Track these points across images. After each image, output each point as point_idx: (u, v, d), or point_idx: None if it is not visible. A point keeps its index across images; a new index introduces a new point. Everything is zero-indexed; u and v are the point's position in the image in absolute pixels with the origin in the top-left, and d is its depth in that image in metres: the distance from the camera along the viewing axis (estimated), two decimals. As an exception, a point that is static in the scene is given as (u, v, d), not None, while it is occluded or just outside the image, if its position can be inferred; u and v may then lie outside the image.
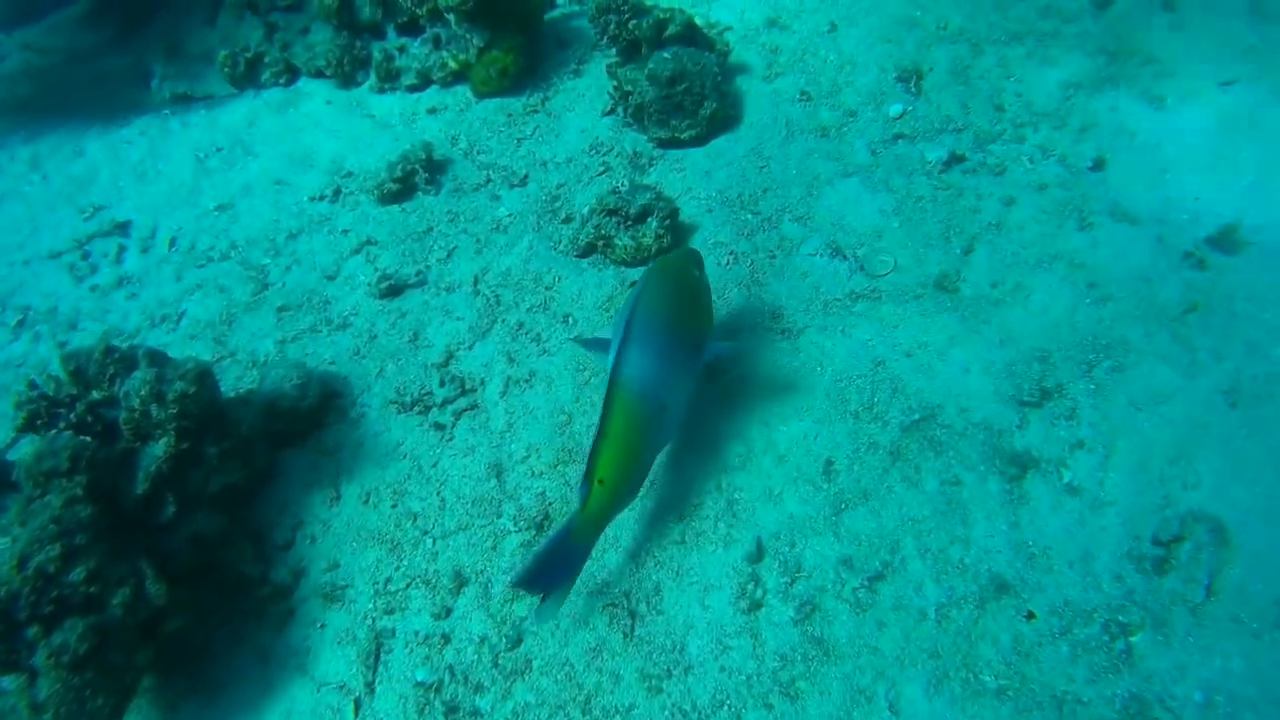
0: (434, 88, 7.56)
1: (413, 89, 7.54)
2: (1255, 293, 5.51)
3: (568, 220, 6.51)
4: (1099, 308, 5.47)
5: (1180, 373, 5.15)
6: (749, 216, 6.30)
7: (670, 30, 6.74)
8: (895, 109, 6.76)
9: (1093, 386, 5.11)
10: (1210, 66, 6.86)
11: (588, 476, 3.93)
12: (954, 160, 6.37)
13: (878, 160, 6.48)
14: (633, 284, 5.29)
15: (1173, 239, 5.77)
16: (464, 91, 7.42)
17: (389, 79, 7.50)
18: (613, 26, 6.79)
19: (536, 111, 7.24)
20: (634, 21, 6.79)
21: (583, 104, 7.20)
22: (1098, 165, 6.27)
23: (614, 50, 7.04)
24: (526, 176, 6.76)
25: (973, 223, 5.95)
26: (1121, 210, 5.97)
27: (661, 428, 4.16)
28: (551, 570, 4.01)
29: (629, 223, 6.12)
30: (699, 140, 6.94)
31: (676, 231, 6.17)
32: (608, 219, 6.16)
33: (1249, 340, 5.29)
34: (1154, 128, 6.48)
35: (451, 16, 6.99)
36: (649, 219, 6.02)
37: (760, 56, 7.19)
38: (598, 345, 4.59)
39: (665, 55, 6.57)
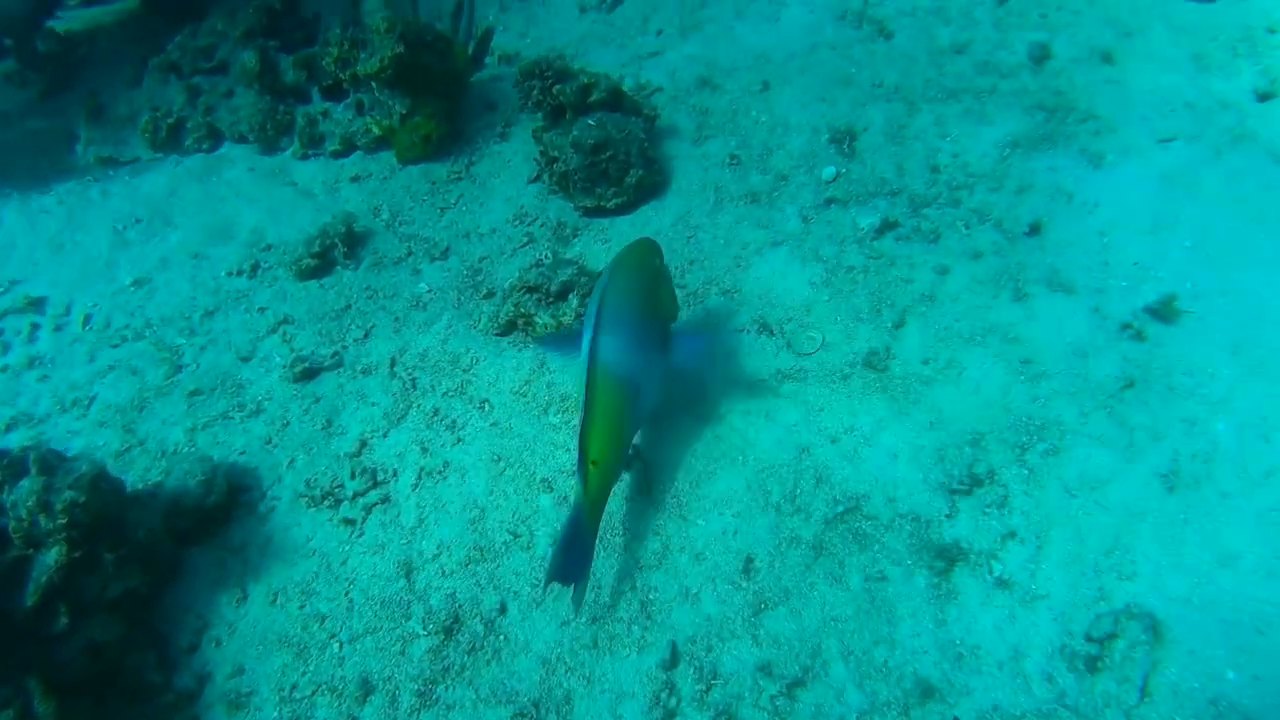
0: (358, 153, 7.38)
1: (337, 154, 7.35)
2: (1194, 365, 5.36)
3: (489, 295, 6.35)
4: (1033, 386, 5.28)
5: (1117, 455, 4.97)
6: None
7: (595, 95, 6.59)
8: (828, 172, 6.62)
9: (1026, 472, 4.93)
10: (1150, 123, 6.72)
11: (582, 460, 4.14)
12: (887, 227, 6.20)
13: (809, 227, 6.35)
14: (598, 274, 5.22)
15: (1111, 308, 5.60)
16: (388, 157, 7.25)
17: (312, 144, 7.31)
18: (536, 92, 6.65)
19: (461, 178, 7.09)
20: (558, 87, 6.62)
21: (508, 170, 7.07)
22: (1034, 229, 6.09)
23: (540, 114, 6.83)
24: (448, 249, 6.65)
25: (905, 294, 5.78)
26: (1058, 278, 5.79)
27: (639, 409, 4.42)
28: (573, 558, 4.32)
29: (550, 300, 5.97)
30: (625, 208, 6.79)
31: None
32: (528, 296, 6.02)
33: (1188, 416, 5.13)
34: (1092, 188, 6.31)
35: (373, 83, 6.69)
36: (570, 295, 5.86)
37: (691, 118, 7.01)
38: (563, 341, 4.99)
39: (590, 122, 6.42)
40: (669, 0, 8.10)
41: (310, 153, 7.40)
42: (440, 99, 7.02)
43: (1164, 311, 5.64)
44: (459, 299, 6.47)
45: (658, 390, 4.58)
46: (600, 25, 8.15)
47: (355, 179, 7.29)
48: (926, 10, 7.67)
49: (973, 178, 6.50)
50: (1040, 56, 7.14)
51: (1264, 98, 6.82)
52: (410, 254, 6.67)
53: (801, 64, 7.24)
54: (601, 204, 6.42)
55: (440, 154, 7.16)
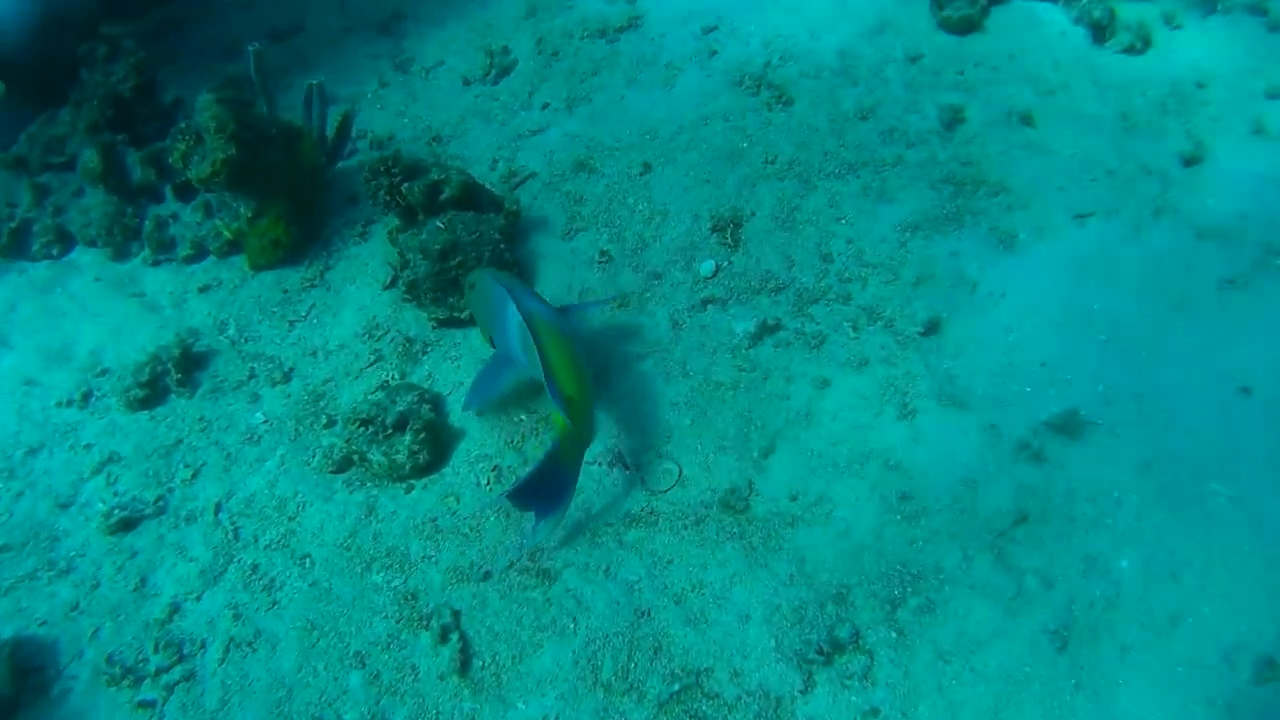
0: (211, 258, 6.92)
1: (189, 260, 6.98)
2: (1099, 488, 4.87)
3: (330, 424, 6.00)
4: (911, 525, 4.80)
5: (1000, 609, 4.49)
6: (524, 417, 5.67)
7: (446, 193, 6.21)
8: (707, 267, 6.21)
9: (894, 634, 4.44)
10: (1067, 195, 6.26)
11: (558, 397, 4.42)
12: (766, 330, 5.90)
13: (679, 335, 5.99)
14: (471, 286, 5.66)
15: (1009, 424, 5.12)
16: (242, 262, 6.84)
17: (163, 249, 6.93)
18: (383, 192, 6.17)
19: (315, 285, 6.73)
20: (406, 185, 6.28)
21: (365, 274, 6.77)
22: (931, 329, 5.63)
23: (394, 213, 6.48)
24: (292, 370, 6.36)
25: (778, 414, 5.44)
26: (953, 388, 5.35)
27: (579, 349, 4.84)
28: (542, 489, 4.61)
29: (387, 433, 5.63)
30: (480, 319, 5.98)
31: (437, 444, 5.69)
32: (361, 430, 5.67)
33: (1088, 554, 4.67)
34: (1000, 275, 5.80)
35: (208, 186, 6.23)
36: (408, 428, 5.57)
37: (562, 208, 6.56)
38: (491, 372, 5.41)
39: (438, 224, 6.08)
40: (558, 69, 7.60)
41: (162, 258, 6.98)
42: (290, 199, 6.93)
43: (1068, 426, 5.16)
44: (297, 430, 6.08)
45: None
46: (484, 100, 7.70)
47: (204, 289, 6.86)
48: (833, 71, 7.13)
49: (867, 268, 5.97)
50: (952, 120, 6.62)
51: (1189, 162, 6.37)
52: (252, 376, 6.25)
53: (689, 139, 6.69)
54: (454, 314, 6.00)
55: (294, 258, 6.73)
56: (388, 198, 6.45)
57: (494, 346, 5.60)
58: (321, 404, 6.20)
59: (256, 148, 6.42)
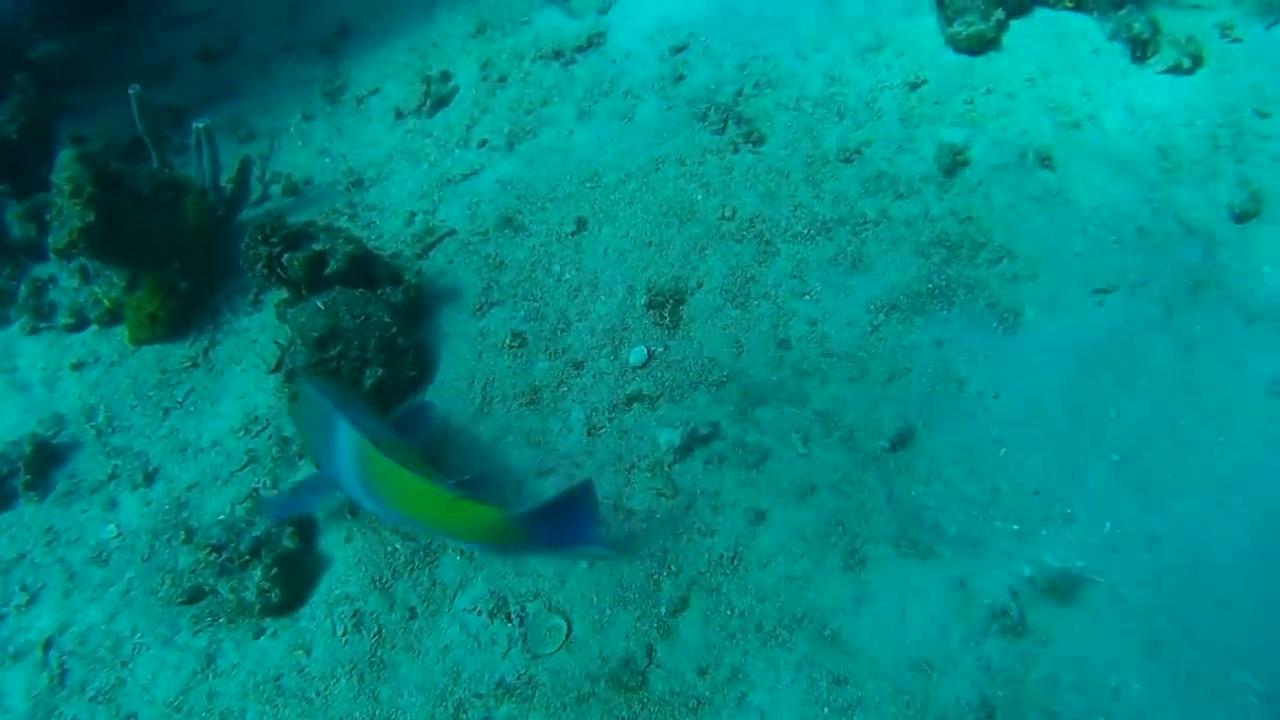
0: (93, 327, 6.01)
1: (70, 329, 6.27)
2: (1093, 674, 3.78)
3: (189, 538, 5.26)
4: (840, 722, 3.65)
5: None
6: (399, 547, 4.96)
7: (332, 267, 5.52)
8: (637, 355, 5.43)
9: None
10: (1086, 261, 5.19)
11: (461, 486, 4.17)
12: (695, 442, 5.01)
13: (593, 444, 5.15)
14: (293, 397, 5.16)
15: (983, 581, 4.26)
16: (124, 334, 5.81)
17: (40, 316, 6.25)
18: (261, 265, 5.61)
19: (196, 365, 6.08)
20: (287, 256, 5.57)
21: (252, 353, 6.06)
22: (900, 442, 4.85)
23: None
24: (156, 471, 5.68)
25: (698, 556, 4.65)
26: (916, 530, 4.54)
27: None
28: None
29: (242, 560, 4.95)
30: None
31: (295, 578, 4.96)
32: (211, 558, 4.99)
33: (1073, 769, 3.45)
34: (994, 369, 4.87)
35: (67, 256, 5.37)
36: (260, 560, 4.87)
37: (479, 275, 5.69)
38: (302, 493, 4.89)
39: (319, 305, 5.40)
40: (503, 99, 6.65)
41: (41, 326, 6.21)
42: (171, 265, 6.14)
43: (1060, 585, 4.14)
44: (151, 547, 5.37)
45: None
46: (415, 136, 6.80)
47: (79, 365, 6.10)
48: (816, 101, 6.07)
49: (830, 358, 5.03)
50: (953, 164, 5.55)
51: (1241, 218, 5.28)
52: (113, 477, 5.60)
53: (636, 189, 5.74)
54: None
55: (178, 331, 6.18)
56: (266, 271, 5.70)
57: (318, 467, 4.89)
58: (184, 514, 5.47)
59: (123, 211, 5.57)
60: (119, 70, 8.22)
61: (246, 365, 5.94)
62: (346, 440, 4.35)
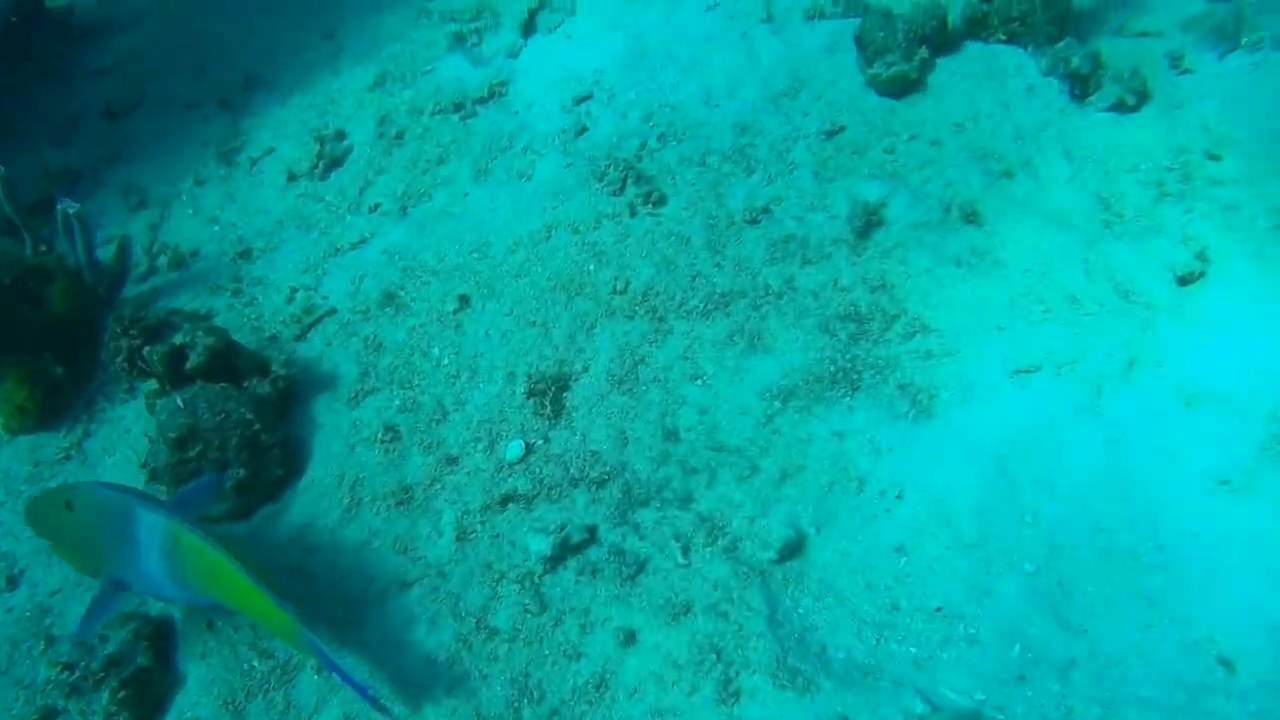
0: None
1: (-53, 412, 5.59)
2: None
3: (49, 647, 4.83)
4: None
5: None
6: (256, 664, 4.53)
7: (193, 360, 5.19)
8: (514, 449, 4.98)
9: None
10: (1008, 336, 4.76)
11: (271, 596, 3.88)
12: (568, 551, 4.54)
13: (462, 551, 4.71)
14: (66, 505, 4.44)
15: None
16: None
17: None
18: (122, 358, 5.35)
19: (70, 457, 5.74)
20: (147, 349, 5.25)
21: (125, 444, 5.67)
22: (790, 552, 4.43)
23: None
24: (22, 573, 5.26)
25: (563, 681, 4.22)
26: (799, 657, 4.15)
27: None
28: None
29: (96, 678, 4.50)
30: (234, 515, 5.15)
31: (146, 701, 4.53)
32: (62, 676, 4.56)
33: None
34: (900, 464, 4.45)
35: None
36: (107, 682, 4.41)
37: (356, 359, 5.36)
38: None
39: (179, 401, 5.04)
40: (399, 158, 6.22)
41: (-80, 407, 5.66)
42: (38, 353, 5.84)
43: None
44: (10, 657, 4.91)
45: None
46: (308, 200, 6.38)
47: (-49, 455, 5.48)
48: (724, 154, 5.52)
49: (720, 453, 4.55)
50: (867, 223, 5.09)
51: (1186, 280, 4.63)
52: None
53: (525, 259, 5.37)
54: (204, 512, 4.88)
55: (52, 419, 5.72)
56: (126, 364, 5.40)
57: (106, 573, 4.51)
58: (46, 621, 5.01)
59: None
60: (18, 125, 7.90)
61: (120, 458, 5.55)
62: (150, 532, 4.15)
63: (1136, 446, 4.37)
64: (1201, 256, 4.85)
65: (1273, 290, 4.72)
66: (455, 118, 6.57)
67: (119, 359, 5.28)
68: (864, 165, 5.56)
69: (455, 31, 7.18)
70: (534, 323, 5.26)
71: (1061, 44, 5.73)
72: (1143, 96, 5.61)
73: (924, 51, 5.75)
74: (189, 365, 5.15)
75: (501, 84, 6.65)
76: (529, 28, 7.15)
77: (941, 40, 5.88)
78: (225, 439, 4.90)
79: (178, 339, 5.19)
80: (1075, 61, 5.61)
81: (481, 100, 6.59)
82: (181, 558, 4.09)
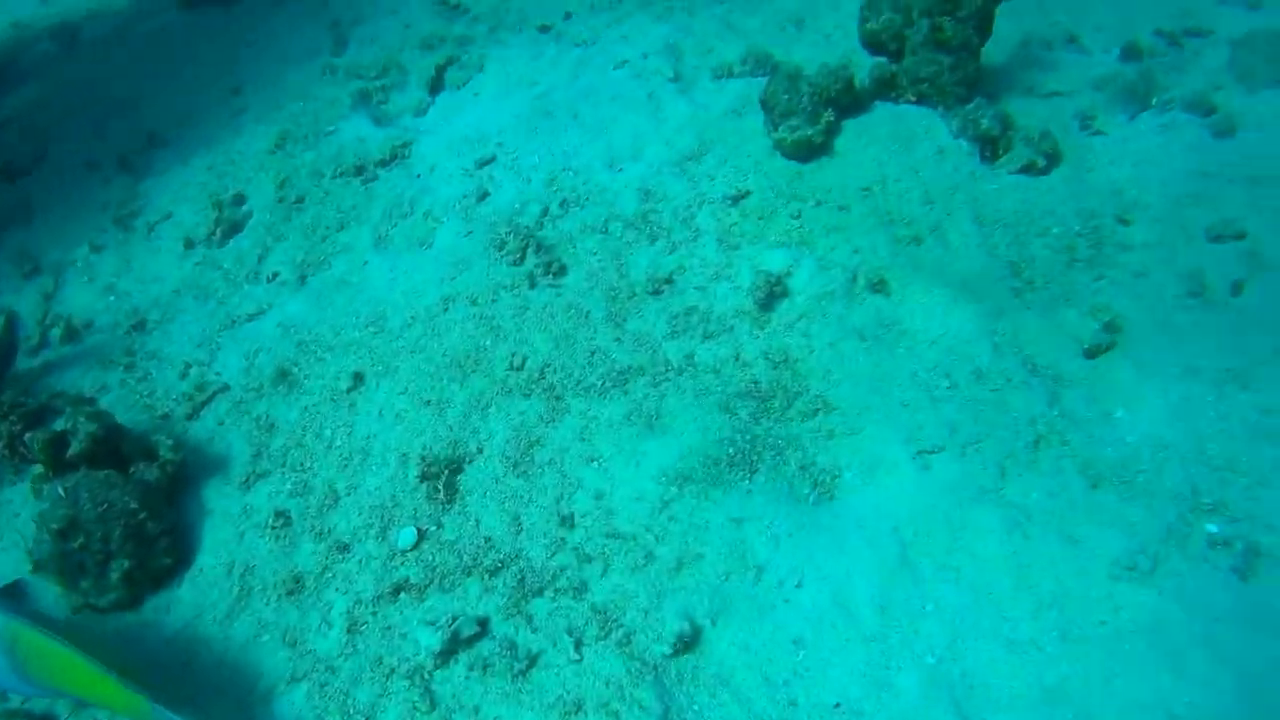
0: None
1: None
2: None
3: None
4: None
5: None
6: None
7: (74, 447, 4.99)
8: (407, 536, 4.81)
9: None
10: (911, 414, 4.59)
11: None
12: (459, 645, 4.37)
13: (351, 646, 4.54)
14: None
15: None
16: None
17: None
18: (2, 445, 5.19)
19: None
20: (28, 435, 5.07)
21: (14, 528, 5.40)
22: (684, 645, 4.28)
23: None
24: None
25: None
26: None
27: None
28: None
29: None
30: (121, 606, 4.90)
31: None
32: None
33: None
34: (799, 551, 4.42)
35: None
36: None
37: (248, 440, 5.18)
38: None
39: (60, 491, 4.82)
40: (298, 224, 5.95)
41: None
42: None
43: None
44: None
45: None
46: (206, 269, 6.18)
47: None
48: (627, 222, 5.47)
49: (615, 540, 4.45)
50: (769, 295, 4.85)
51: (1093, 353, 4.45)
52: None
53: (421, 334, 5.14)
54: (91, 602, 4.83)
55: None
56: (7, 451, 5.23)
57: None
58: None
59: None
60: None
61: (7, 543, 5.33)
62: None
63: (1041, 531, 4.24)
64: (1110, 327, 4.71)
65: (1180, 361, 4.57)
66: (357, 181, 6.37)
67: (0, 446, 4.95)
68: (770, 232, 5.41)
69: (361, 89, 6.99)
70: (428, 402, 5.07)
71: (971, 105, 5.62)
72: (1053, 159, 5.51)
73: (830, 114, 5.63)
74: (71, 452, 4.99)
75: (405, 145, 6.47)
76: (436, 84, 6.98)
77: (849, 102, 5.77)
78: (108, 530, 4.75)
79: (59, 425, 5.02)
80: (985, 123, 5.50)
81: (384, 162, 6.40)
82: (24, 654, 4.08)
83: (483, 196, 6.00)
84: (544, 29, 7.36)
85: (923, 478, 4.44)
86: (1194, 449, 4.40)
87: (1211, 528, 4.15)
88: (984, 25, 5.64)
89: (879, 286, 5.09)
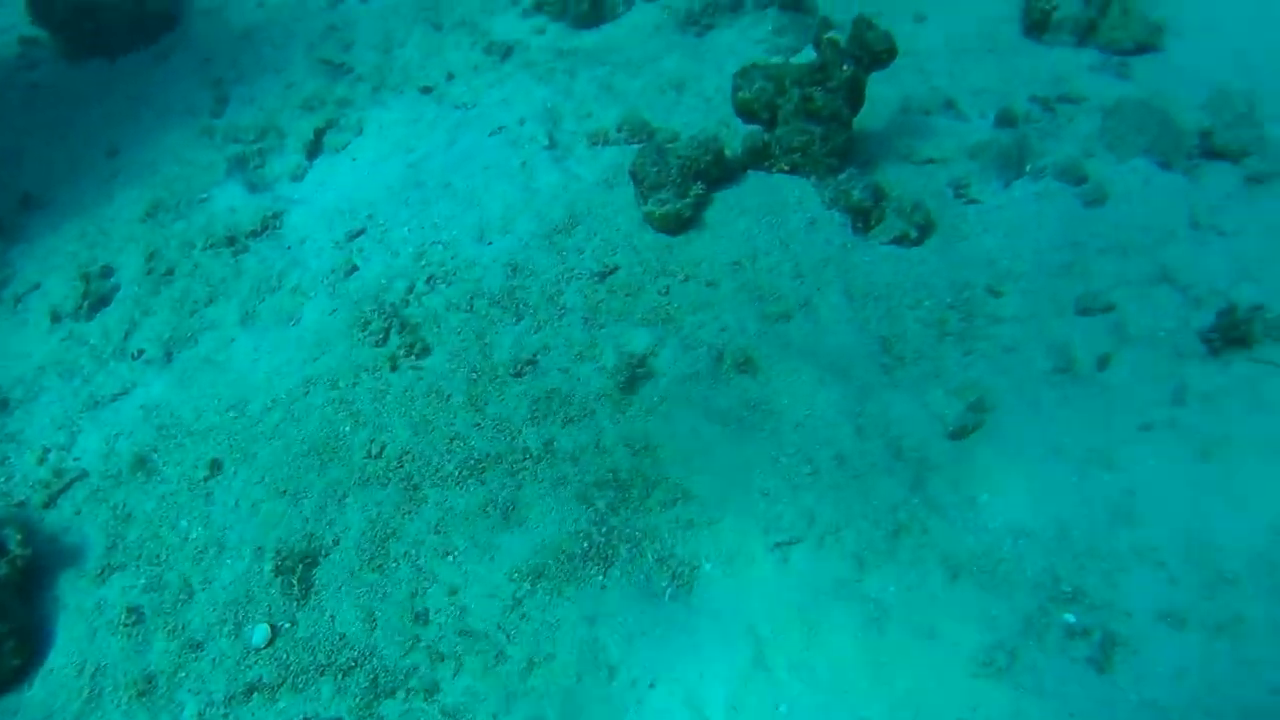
0: None
1: None
2: None
3: None
4: None
5: None
6: None
7: None
8: (260, 634, 4.70)
9: None
10: (771, 503, 4.56)
11: None
12: None
13: None
14: None
15: None
16: None
17: None
18: None
19: None
20: None
21: None
22: None
23: None
24: None
25: None
26: None
27: None
28: None
29: None
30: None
31: None
32: None
33: None
34: (653, 649, 4.55)
35: None
36: None
37: (104, 531, 5.15)
38: None
39: None
40: (166, 297, 5.89)
41: None
42: None
43: None
44: None
45: None
46: (71, 344, 6.10)
47: None
48: (493, 299, 5.35)
49: (467, 638, 4.41)
50: (633, 376, 4.72)
51: (959, 434, 4.47)
52: None
53: (280, 419, 5.08)
54: None
55: None
56: None
57: None
58: None
59: None
60: None
61: None
62: None
63: (898, 626, 4.20)
64: (977, 407, 4.67)
65: (1046, 441, 4.59)
66: (227, 252, 6.25)
67: None
68: (637, 309, 5.32)
69: (237, 154, 6.86)
70: (285, 492, 4.96)
71: (844, 175, 5.58)
72: (926, 229, 5.49)
73: (700, 187, 5.57)
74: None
75: (276, 216, 6.36)
76: (315, 148, 6.86)
77: (719, 174, 5.71)
78: (-51, 625, 4.45)
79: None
80: (856, 195, 5.47)
81: (255, 233, 6.28)
82: None
83: (351, 271, 5.88)
84: (426, 90, 7.23)
85: (780, 571, 4.37)
86: (1056, 535, 4.34)
87: (1070, 617, 4.09)
88: (855, 96, 5.59)
89: (745, 366, 5.01)
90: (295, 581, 4.68)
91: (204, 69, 7.96)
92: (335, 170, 6.67)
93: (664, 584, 4.43)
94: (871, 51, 5.53)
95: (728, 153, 5.79)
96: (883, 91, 6.03)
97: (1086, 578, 4.20)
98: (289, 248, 6.17)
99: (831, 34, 5.68)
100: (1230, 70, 6.36)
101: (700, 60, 6.98)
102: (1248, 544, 4.23)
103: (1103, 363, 4.89)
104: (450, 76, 7.35)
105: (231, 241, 6.25)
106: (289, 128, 7.04)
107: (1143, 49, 6.58)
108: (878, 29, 5.53)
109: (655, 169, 5.54)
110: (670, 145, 5.67)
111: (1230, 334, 4.81)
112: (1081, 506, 4.40)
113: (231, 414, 5.37)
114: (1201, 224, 5.39)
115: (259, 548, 4.83)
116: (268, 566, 4.74)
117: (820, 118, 5.58)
